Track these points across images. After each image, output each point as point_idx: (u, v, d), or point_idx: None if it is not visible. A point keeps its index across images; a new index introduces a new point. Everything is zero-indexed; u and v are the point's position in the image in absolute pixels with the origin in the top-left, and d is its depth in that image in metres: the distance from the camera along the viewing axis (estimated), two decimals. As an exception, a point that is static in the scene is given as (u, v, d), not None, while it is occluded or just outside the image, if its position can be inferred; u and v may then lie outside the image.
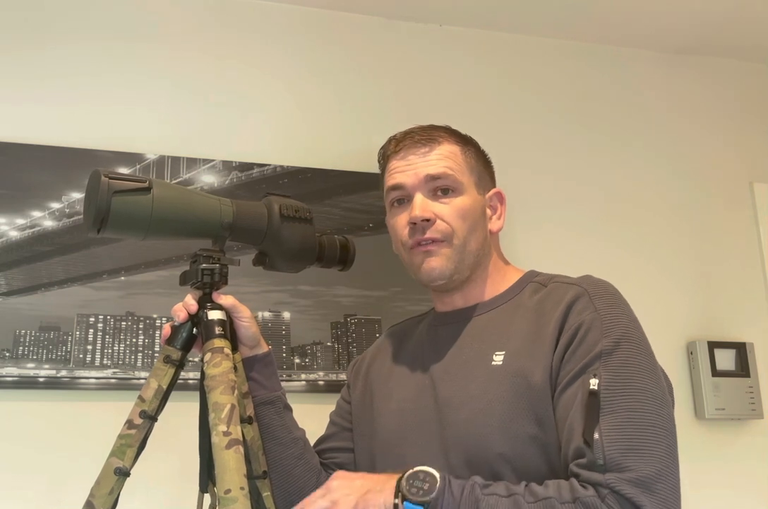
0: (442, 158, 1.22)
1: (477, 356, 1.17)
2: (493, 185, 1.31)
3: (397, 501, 0.99)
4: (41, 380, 1.90)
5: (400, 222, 1.24)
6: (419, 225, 1.20)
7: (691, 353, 2.40)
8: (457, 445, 1.12)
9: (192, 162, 2.13)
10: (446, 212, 1.20)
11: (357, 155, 2.22)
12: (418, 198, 1.20)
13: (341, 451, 1.32)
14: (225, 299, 1.15)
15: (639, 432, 1.00)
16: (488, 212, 1.27)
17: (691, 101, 2.66)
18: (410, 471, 1.02)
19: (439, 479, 1.00)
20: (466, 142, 1.27)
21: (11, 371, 1.88)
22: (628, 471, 0.97)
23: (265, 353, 1.24)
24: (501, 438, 1.08)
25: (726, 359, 2.40)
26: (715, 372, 2.37)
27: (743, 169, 2.64)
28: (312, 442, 1.33)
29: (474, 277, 1.24)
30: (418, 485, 1.00)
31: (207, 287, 1.14)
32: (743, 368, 2.40)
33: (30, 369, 1.90)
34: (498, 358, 1.14)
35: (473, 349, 1.19)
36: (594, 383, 1.03)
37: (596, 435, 0.99)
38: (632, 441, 0.99)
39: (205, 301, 1.14)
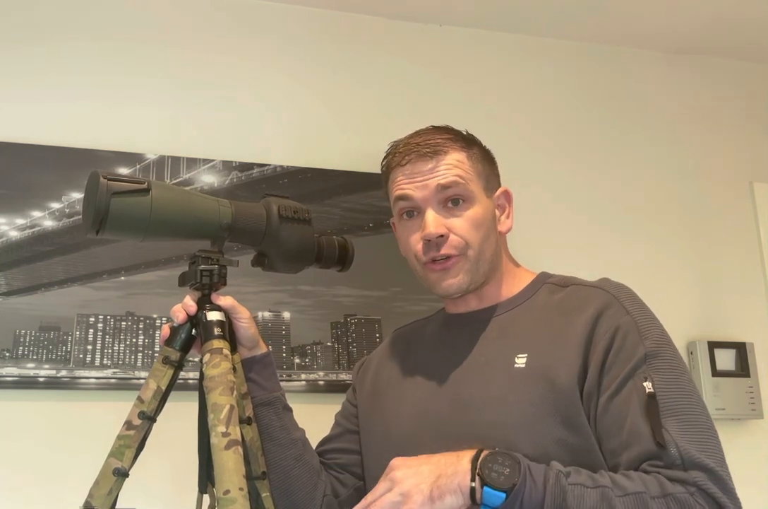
0: (451, 168, 1.20)
1: (498, 357, 1.16)
2: (499, 184, 1.30)
3: (474, 484, 0.95)
4: (41, 380, 1.90)
5: (413, 237, 1.22)
6: (434, 241, 1.19)
7: (691, 353, 2.40)
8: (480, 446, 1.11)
9: (192, 162, 2.13)
10: (459, 225, 1.19)
11: (357, 155, 2.22)
12: (430, 214, 1.19)
13: (344, 452, 1.32)
14: (224, 300, 1.15)
15: (700, 433, 1.02)
16: (497, 212, 1.26)
17: (691, 101, 2.66)
18: (486, 452, 0.98)
19: (521, 464, 0.96)
20: (470, 145, 1.26)
21: (11, 371, 1.88)
22: (707, 470, 0.98)
23: (264, 354, 1.24)
24: (526, 439, 1.07)
25: (726, 359, 2.40)
26: (715, 372, 2.37)
27: (743, 169, 2.64)
28: (314, 442, 1.33)
29: (488, 280, 1.24)
30: (498, 469, 0.95)
31: (206, 288, 1.14)
32: (743, 368, 2.40)
33: (30, 369, 1.90)
34: (521, 360, 1.13)
35: (492, 351, 1.18)
36: (649, 386, 1.04)
37: (667, 437, 1.00)
38: (699, 443, 1.01)
39: (204, 302, 1.14)
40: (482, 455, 0.97)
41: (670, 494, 0.96)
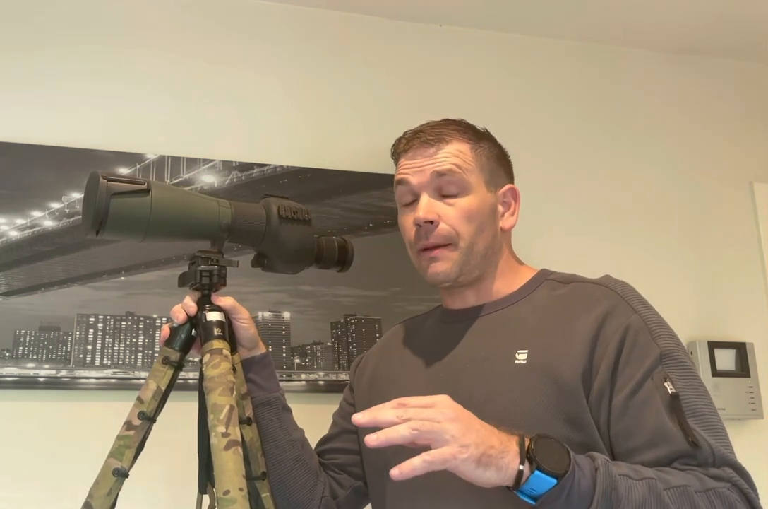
0: (450, 156, 1.21)
1: (497, 353, 1.15)
2: (509, 181, 1.30)
3: (522, 467, 0.92)
4: (41, 380, 1.90)
5: (407, 223, 1.24)
6: (424, 228, 1.19)
7: (691, 353, 2.40)
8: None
9: (192, 162, 2.13)
10: (451, 213, 1.19)
11: (357, 155, 2.22)
12: (424, 199, 1.20)
13: (342, 452, 1.32)
14: (224, 300, 1.16)
15: (719, 433, 1.04)
16: (500, 208, 1.26)
17: (691, 101, 2.66)
18: (534, 436, 0.95)
19: (569, 451, 0.94)
20: (478, 138, 1.26)
21: (11, 371, 1.88)
22: (735, 467, 1.01)
23: (263, 355, 1.24)
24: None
25: (726, 359, 2.40)
26: (715, 372, 2.37)
27: (743, 169, 2.64)
28: (314, 442, 1.33)
29: (485, 276, 1.23)
30: (549, 454, 0.93)
31: (206, 288, 1.15)
32: (743, 368, 2.40)
33: (30, 369, 1.90)
34: (521, 356, 1.13)
35: (492, 346, 1.17)
36: (670, 386, 1.04)
37: (698, 436, 1.01)
38: (721, 442, 1.03)
39: (204, 302, 1.14)
40: (529, 438, 0.94)
41: (711, 488, 0.97)
